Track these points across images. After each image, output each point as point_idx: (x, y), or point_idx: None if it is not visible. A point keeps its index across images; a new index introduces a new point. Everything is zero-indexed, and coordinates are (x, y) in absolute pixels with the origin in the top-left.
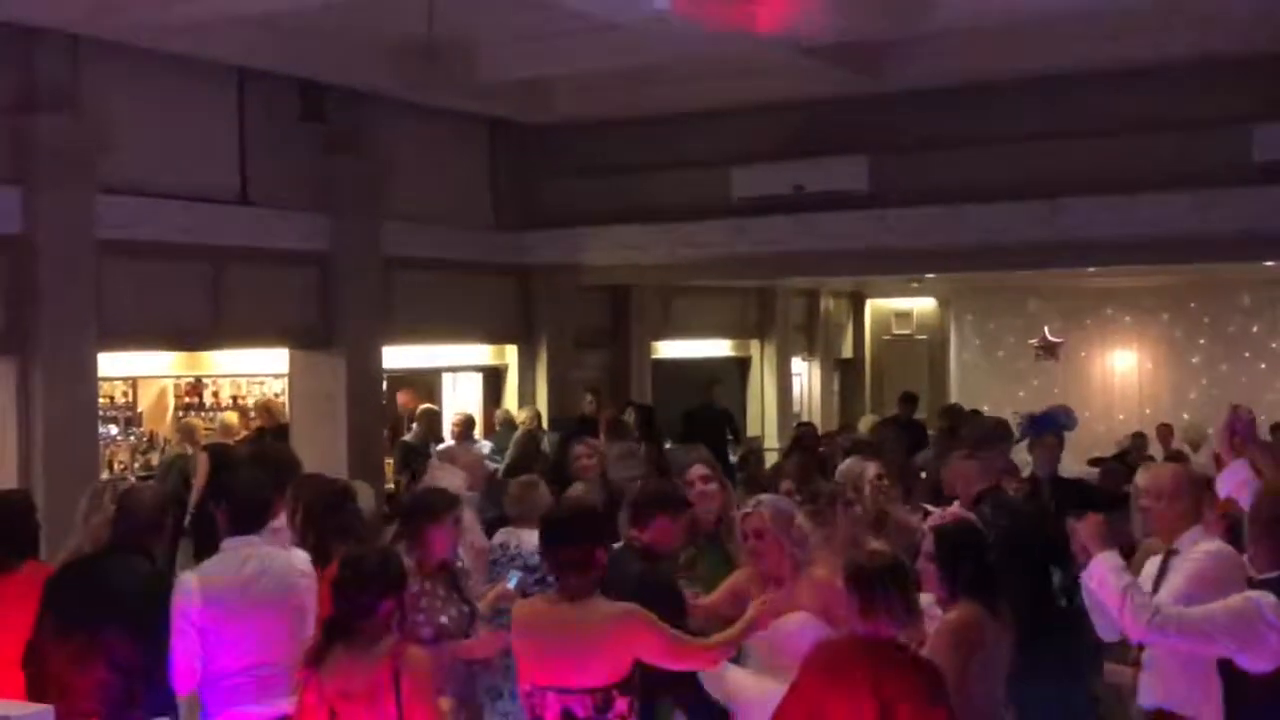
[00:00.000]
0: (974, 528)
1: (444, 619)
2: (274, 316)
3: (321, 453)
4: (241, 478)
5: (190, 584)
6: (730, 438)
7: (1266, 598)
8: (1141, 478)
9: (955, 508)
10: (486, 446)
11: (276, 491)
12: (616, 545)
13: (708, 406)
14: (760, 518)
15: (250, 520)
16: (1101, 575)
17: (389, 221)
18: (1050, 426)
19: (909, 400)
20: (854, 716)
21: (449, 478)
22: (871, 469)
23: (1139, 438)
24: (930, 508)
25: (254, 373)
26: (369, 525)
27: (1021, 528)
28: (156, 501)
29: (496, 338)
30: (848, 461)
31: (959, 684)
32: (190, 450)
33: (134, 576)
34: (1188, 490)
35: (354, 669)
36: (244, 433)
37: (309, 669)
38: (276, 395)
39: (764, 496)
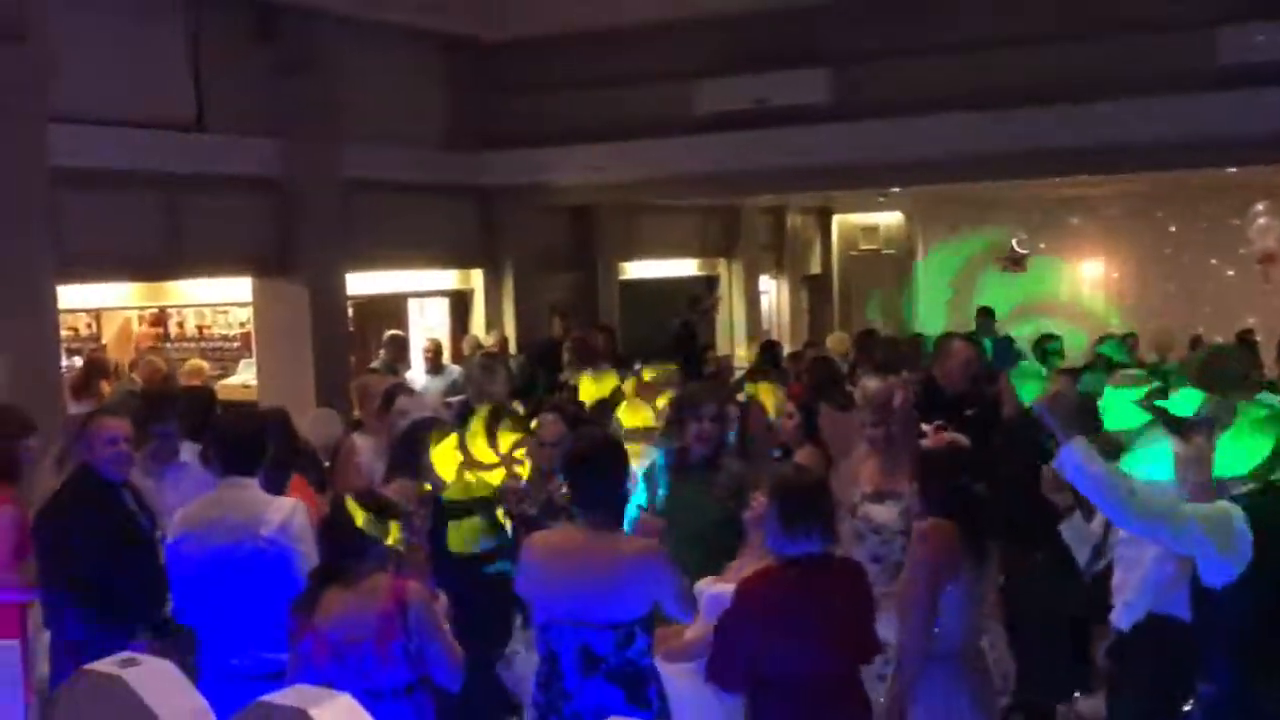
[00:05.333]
0: (952, 452)
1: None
2: (233, 244)
3: (288, 380)
4: (231, 419)
5: (175, 517)
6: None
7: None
8: None
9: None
10: (456, 372)
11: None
12: None
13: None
14: None
15: (237, 461)
16: (1074, 464)
17: (346, 144)
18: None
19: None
20: (801, 640)
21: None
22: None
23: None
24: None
25: (217, 302)
26: (333, 450)
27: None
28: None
29: (461, 261)
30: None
31: (924, 586)
32: (137, 382)
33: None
34: None
35: (355, 611)
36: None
37: (301, 615)
38: (242, 325)
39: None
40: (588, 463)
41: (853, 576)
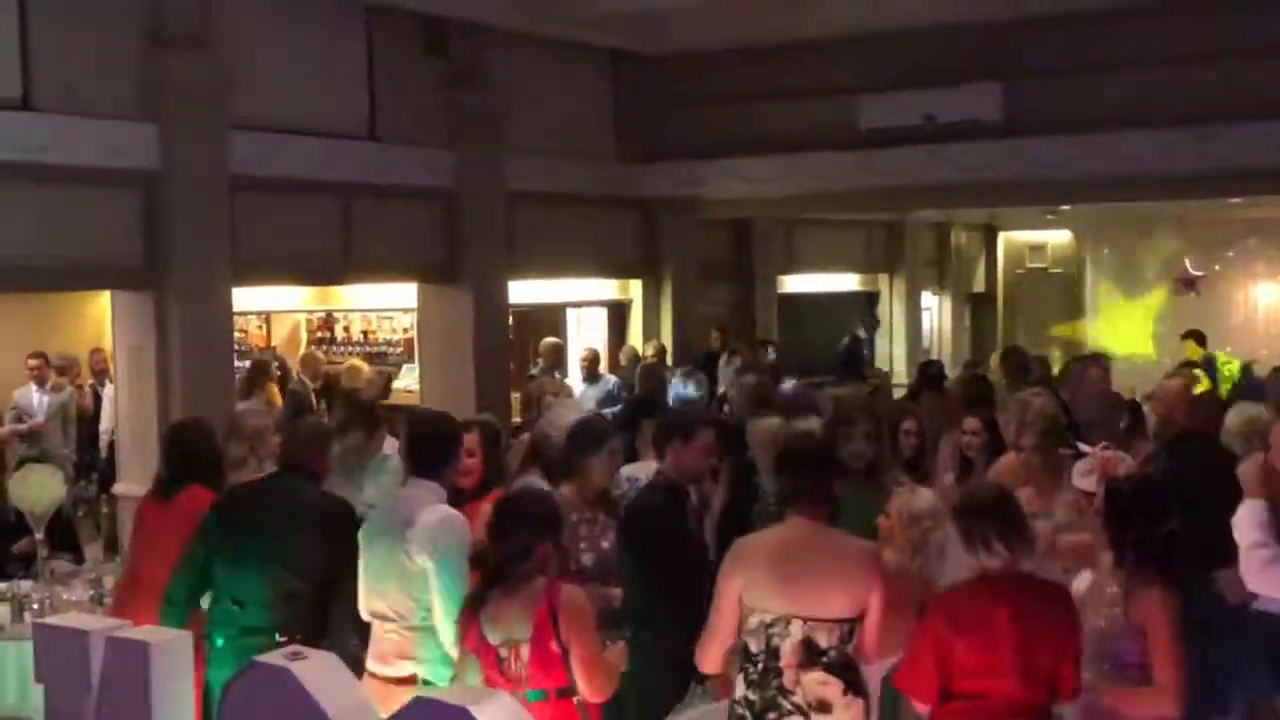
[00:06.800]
0: (1149, 485)
1: (605, 544)
2: (402, 252)
3: (449, 387)
4: (424, 421)
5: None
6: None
7: None
8: None
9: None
10: (612, 382)
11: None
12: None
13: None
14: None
15: (421, 464)
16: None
17: (512, 155)
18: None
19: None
20: (988, 655)
21: (568, 413)
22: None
23: None
24: (1085, 447)
25: (383, 308)
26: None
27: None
28: (318, 431)
29: (620, 272)
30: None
31: (1179, 661)
32: (307, 383)
33: (298, 498)
34: None
35: (513, 614)
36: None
37: (470, 615)
38: (406, 330)
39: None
40: (801, 457)
41: (1059, 603)
